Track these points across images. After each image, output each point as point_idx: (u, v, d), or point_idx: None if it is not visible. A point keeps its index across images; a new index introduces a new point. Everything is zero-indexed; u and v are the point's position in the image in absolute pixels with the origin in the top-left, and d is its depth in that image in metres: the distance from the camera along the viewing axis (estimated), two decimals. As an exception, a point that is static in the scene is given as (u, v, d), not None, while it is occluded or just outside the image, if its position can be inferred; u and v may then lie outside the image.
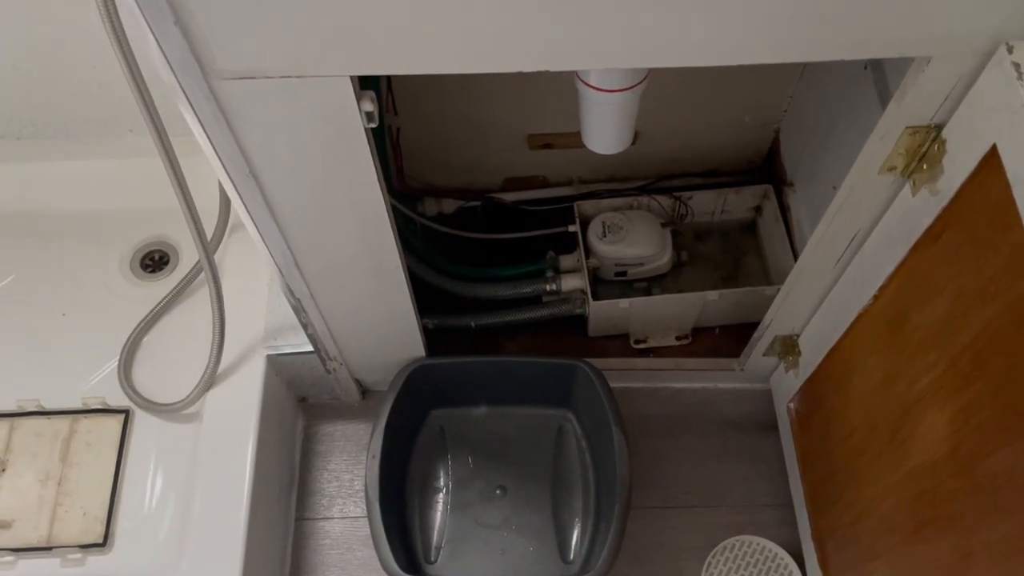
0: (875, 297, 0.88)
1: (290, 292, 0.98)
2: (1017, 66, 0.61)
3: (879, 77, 0.92)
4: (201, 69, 0.62)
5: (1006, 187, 0.62)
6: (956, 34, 0.62)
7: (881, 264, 0.85)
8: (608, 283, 1.33)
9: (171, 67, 0.62)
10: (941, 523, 0.77)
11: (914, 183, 0.77)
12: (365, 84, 0.69)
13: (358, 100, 0.67)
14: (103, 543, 1.07)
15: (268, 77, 0.63)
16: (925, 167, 0.74)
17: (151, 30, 0.58)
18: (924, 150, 0.74)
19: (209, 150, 0.71)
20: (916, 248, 0.79)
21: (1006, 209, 0.62)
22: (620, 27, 0.60)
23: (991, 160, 0.64)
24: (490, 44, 0.61)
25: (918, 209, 0.76)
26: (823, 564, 1.08)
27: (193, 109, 0.66)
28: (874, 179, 0.79)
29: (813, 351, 1.07)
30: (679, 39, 0.61)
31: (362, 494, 1.23)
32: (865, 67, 0.96)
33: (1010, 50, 0.62)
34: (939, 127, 0.72)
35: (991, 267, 0.66)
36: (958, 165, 0.69)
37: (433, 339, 1.20)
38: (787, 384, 1.19)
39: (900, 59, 0.68)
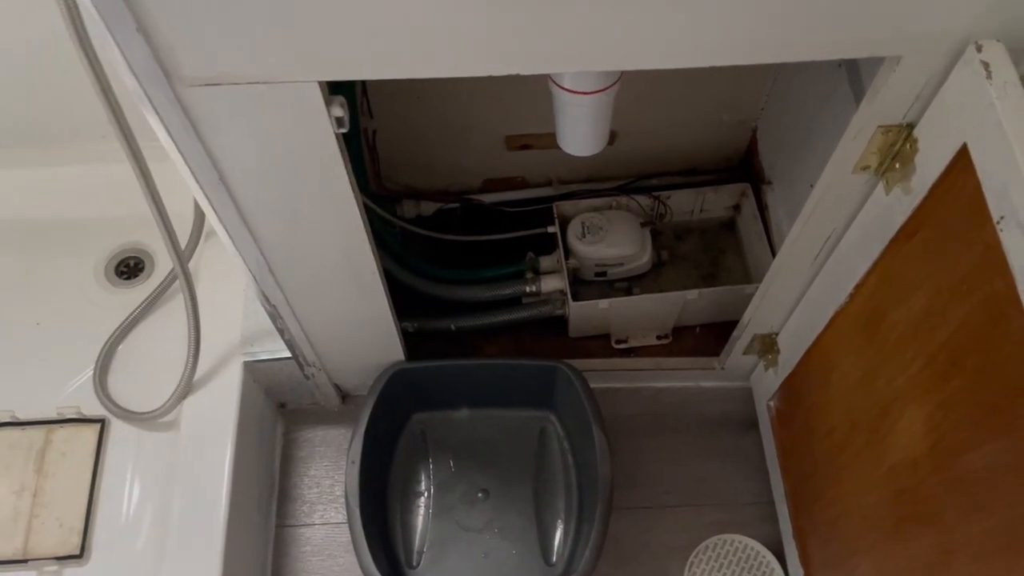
0: (852, 295, 0.88)
1: (265, 299, 0.97)
2: (986, 65, 0.61)
3: (853, 76, 0.92)
4: (166, 76, 0.61)
5: (977, 185, 0.62)
6: (926, 33, 0.62)
7: (857, 262, 0.85)
8: (588, 283, 1.32)
9: (135, 74, 0.61)
10: (921, 520, 0.77)
11: (887, 182, 0.77)
12: (336, 89, 0.68)
13: (327, 105, 0.67)
14: (80, 554, 1.06)
15: (235, 83, 0.62)
16: (898, 166, 0.75)
17: (113, 37, 0.57)
18: (897, 149, 0.74)
19: (177, 158, 0.70)
20: (891, 246, 0.79)
21: (977, 207, 0.62)
22: (591, 30, 0.60)
23: (962, 158, 0.64)
24: (460, 48, 0.60)
25: (892, 208, 0.76)
26: (804, 561, 1.08)
27: (159, 117, 0.65)
28: (848, 178, 0.79)
29: (792, 349, 1.07)
30: (650, 41, 0.61)
31: (343, 500, 1.22)
32: (839, 66, 0.96)
33: (979, 49, 0.62)
34: (911, 126, 0.72)
35: (965, 265, 0.67)
36: (930, 163, 0.69)
37: (413, 342, 1.19)
38: (767, 382, 1.19)
39: (873, 59, 0.68)
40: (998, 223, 0.60)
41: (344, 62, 0.61)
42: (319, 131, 0.69)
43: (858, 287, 0.87)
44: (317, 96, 0.65)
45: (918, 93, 0.69)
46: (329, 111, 0.67)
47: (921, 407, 0.75)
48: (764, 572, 1.17)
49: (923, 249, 0.73)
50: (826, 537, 1.01)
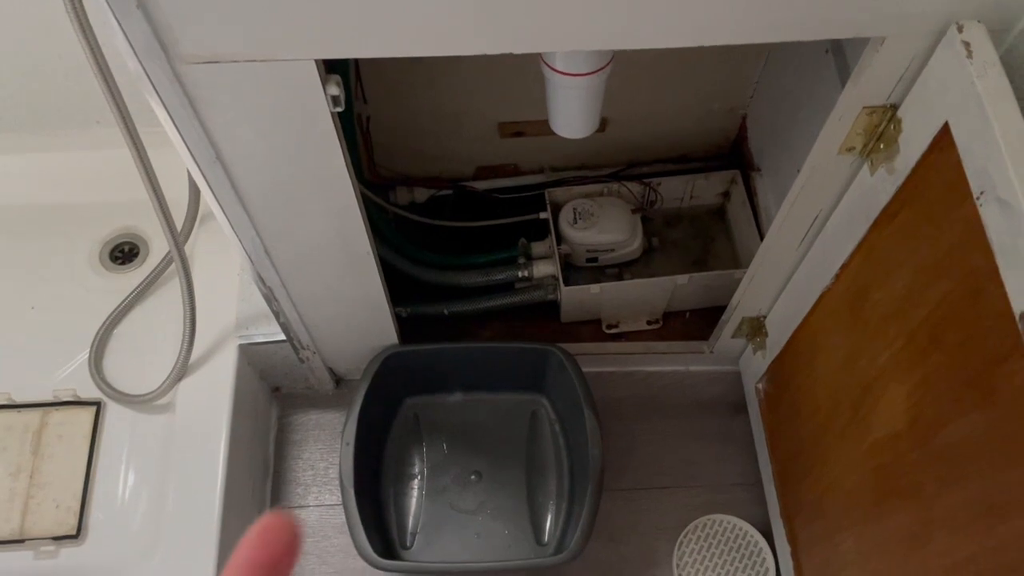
0: (837, 276, 0.90)
1: (261, 281, 0.98)
2: (967, 45, 0.63)
3: (840, 61, 0.94)
4: (165, 54, 0.62)
5: (958, 163, 0.64)
6: (909, 14, 0.64)
7: (842, 243, 0.87)
8: (580, 269, 1.34)
9: (135, 52, 0.62)
10: (902, 494, 0.79)
11: (872, 162, 0.78)
12: (331, 68, 0.69)
13: (324, 84, 0.68)
14: (76, 535, 1.07)
15: (233, 61, 0.64)
16: (882, 146, 0.76)
17: (114, 14, 0.58)
18: (881, 130, 0.76)
19: (175, 136, 0.71)
20: (875, 226, 0.80)
21: (958, 185, 0.64)
22: (582, 8, 0.61)
23: (944, 137, 0.66)
24: (453, 26, 0.62)
25: (876, 188, 0.78)
26: (791, 539, 1.10)
27: (158, 95, 0.66)
28: (834, 159, 0.81)
29: (779, 332, 1.09)
30: (640, 20, 0.62)
31: (337, 482, 1.24)
32: (826, 51, 0.97)
33: (960, 29, 0.63)
34: (895, 107, 0.74)
35: (946, 242, 0.68)
36: (913, 143, 0.71)
37: (406, 327, 1.20)
38: (755, 365, 1.21)
39: (858, 41, 0.70)
40: (978, 199, 0.62)
41: (340, 40, 0.62)
42: (316, 110, 0.70)
43: (843, 268, 0.89)
44: (314, 75, 0.66)
45: (902, 74, 0.70)
46: (326, 90, 0.68)
47: (902, 383, 0.77)
48: (752, 551, 1.19)
49: (906, 228, 0.75)
50: (812, 515, 1.03)
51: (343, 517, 1.07)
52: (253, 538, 0.24)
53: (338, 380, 1.32)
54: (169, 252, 1.18)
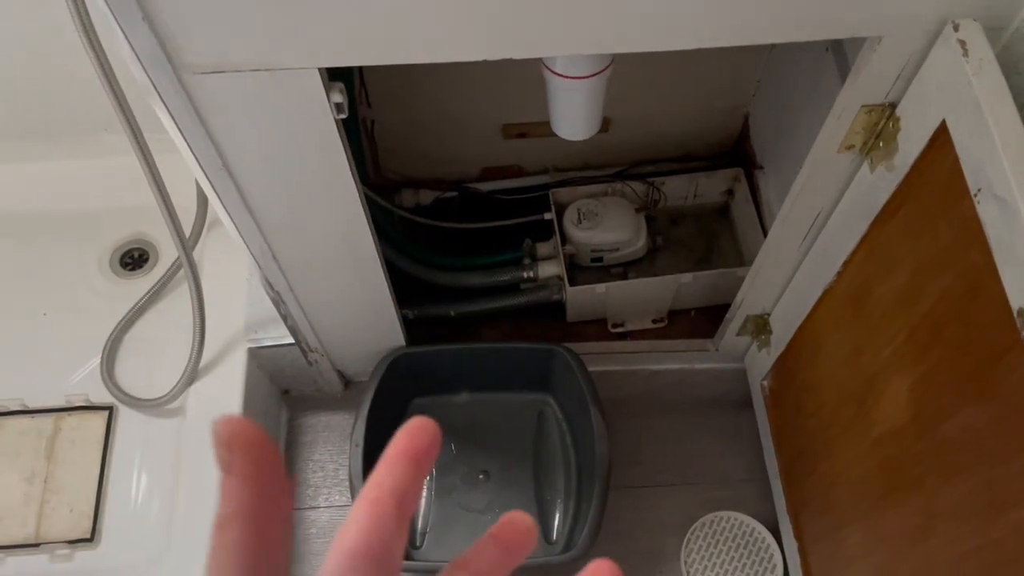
0: (839, 273, 0.91)
1: (269, 285, 0.99)
2: (963, 43, 0.63)
3: (840, 59, 0.94)
4: (171, 64, 0.63)
5: (955, 160, 0.64)
6: (905, 13, 0.65)
7: (844, 240, 0.87)
8: (585, 269, 1.34)
9: (141, 63, 0.63)
10: (906, 487, 0.80)
11: (871, 160, 0.79)
12: (335, 75, 0.70)
13: (327, 92, 0.69)
14: (91, 538, 1.08)
15: (237, 71, 0.65)
16: (881, 144, 0.77)
17: (119, 26, 0.59)
18: (880, 128, 0.77)
19: (182, 145, 0.72)
20: (876, 223, 0.81)
21: (956, 181, 0.65)
22: (582, 12, 0.62)
23: (941, 135, 0.67)
24: (454, 33, 0.62)
25: (876, 185, 0.79)
26: (798, 535, 1.11)
27: (165, 104, 0.67)
28: (834, 158, 0.82)
29: (784, 329, 1.10)
30: (640, 24, 0.63)
31: (347, 483, 1.25)
32: (827, 49, 0.98)
33: (956, 28, 0.64)
34: (893, 105, 0.74)
35: (945, 238, 0.69)
36: (911, 141, 0.72)
37: (413, 328, 1.21)
38: (760, 362, 1.21)
39: (858, 40, 0.71)
40: (975, 196, 0.62)
41: (343, 49, 0.63)
42: (320, 117, 0.71)
43: (846, 265, 0.89)
44: (317, 83, 0.67)
45: (899, 72, 0.71)
46: (329, 97, 0.69)
47: (904, 378, 0.78)
48: (759, 547, 1.19)
49: (906, 225, 0.76)
50: (818, 510, 1.04)
51: (353, 518, 1.08)
52: (403, 435, 0.28)
53: (346, 382, 1.33)
54: (178, 258, 1.19)
